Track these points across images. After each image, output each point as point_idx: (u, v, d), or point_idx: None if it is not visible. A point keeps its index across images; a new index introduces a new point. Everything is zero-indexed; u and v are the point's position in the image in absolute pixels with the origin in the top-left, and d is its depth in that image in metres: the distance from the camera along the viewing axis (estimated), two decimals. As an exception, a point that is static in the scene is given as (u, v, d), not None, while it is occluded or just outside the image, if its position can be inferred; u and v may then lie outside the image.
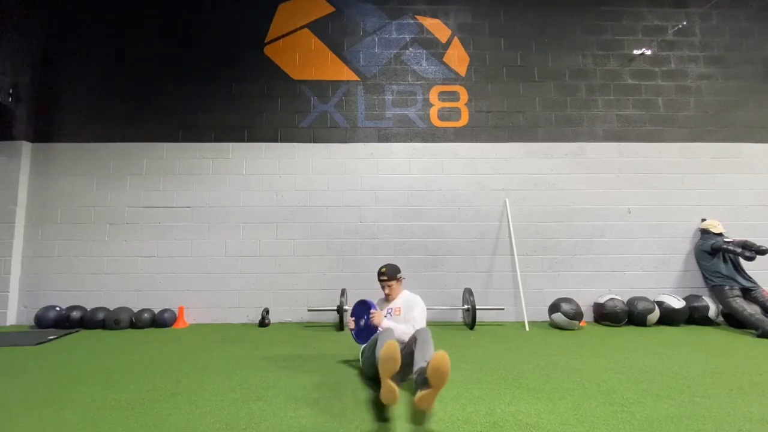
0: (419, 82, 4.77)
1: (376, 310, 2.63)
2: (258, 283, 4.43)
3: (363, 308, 2.71)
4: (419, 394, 1.79)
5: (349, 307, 3.92)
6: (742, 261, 4.17)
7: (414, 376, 1.95)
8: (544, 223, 4.56)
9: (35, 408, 2.06)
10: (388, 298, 2.79)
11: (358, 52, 4.79)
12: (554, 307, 4.08)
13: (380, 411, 1.99)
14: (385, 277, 2.75)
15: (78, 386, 2.37)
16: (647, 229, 4.57)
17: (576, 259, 4.51)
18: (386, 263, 2.85)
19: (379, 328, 2.55)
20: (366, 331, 2.63)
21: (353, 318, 2.73)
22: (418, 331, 2.29)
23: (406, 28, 4.84)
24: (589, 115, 4.74)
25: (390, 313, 2.72)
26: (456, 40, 4.83)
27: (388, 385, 1.82)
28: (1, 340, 3.50)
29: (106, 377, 2.54)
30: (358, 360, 2.70)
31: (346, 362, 2.86)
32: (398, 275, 2.79)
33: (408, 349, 2.22)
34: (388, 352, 1.87)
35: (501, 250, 4.52)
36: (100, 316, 4.08)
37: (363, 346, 2.61)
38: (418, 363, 1.99)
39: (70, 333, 3.85)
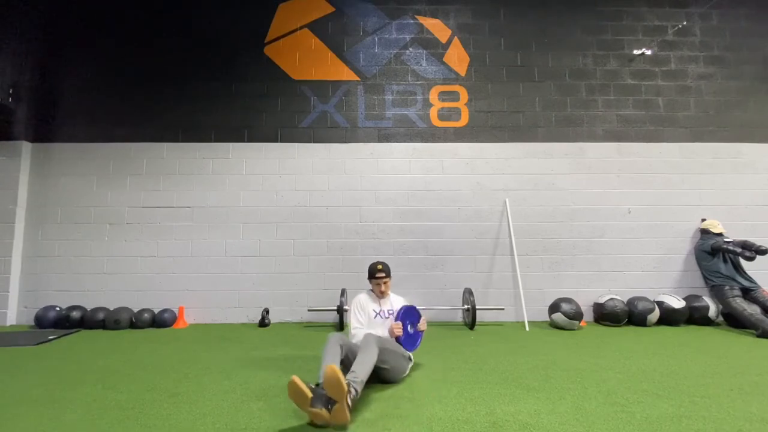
0: (419, 82, 4.77)
1: (423, 318, 2.76)
2: (258, 283, 4.43)
3: (414, 314, 2.72)
4: (321, 412, 1.77)
5: (349, 308, 3.91)
6: (742, 261, 4.17)
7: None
8: (544, 223, 4.56)
9: (35, 408, 2.06)
10: (381, 296, 2.74)
11: (358, 52, 4.79)
12: (554, 307, 4.08)
13: (380, 412, 1.99)
14: (383, 274, 2.71)
15: (78, 386, 2.38)
16: (647, 229, 4.57)
17: (576, 259, 4.51)
18: (378, 261, 2.81)
19: (421, 335, 2.75)
20: (414, 337, 2.69)
21: (399, 322, 2.57)
22: (364, 337, 2.29)
23: (406, 28, 4.84)
24: (589, 115, 4.74)
25: (382, 315, 2.67)
26: (456, 40, 4.83)
27: (311, 413, 1.79)
28: (1, 340, 3.50)
29: (106, 377, 2.54)
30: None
31: (346, 362, 2.86)
32: (390, 272, 2.79)
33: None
34: (292, 393, 1.83)
35: (501, 250, 4.52)
36: (100, 316, 4.08)
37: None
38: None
39: (70, 333, 3.85)
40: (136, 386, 2.37)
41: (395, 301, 2.77)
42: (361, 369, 2.03)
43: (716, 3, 4.63)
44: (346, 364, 2.17)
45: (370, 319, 2.65)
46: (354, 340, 2.46)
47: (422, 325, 2.72)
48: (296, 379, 1.83)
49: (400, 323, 2.54)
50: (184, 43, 4.73)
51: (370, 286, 2.83)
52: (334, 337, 2.30)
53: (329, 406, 1.79)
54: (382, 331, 2.57)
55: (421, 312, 2.83)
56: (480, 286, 4.42)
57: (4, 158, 4.43)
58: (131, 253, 4.44)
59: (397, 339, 2.52)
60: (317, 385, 1.91)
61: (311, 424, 1.83)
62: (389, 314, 2.68)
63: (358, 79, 4.75)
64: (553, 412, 1.98)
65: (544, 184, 4.62)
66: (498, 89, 4.76)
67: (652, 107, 4.77)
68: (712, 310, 4.12)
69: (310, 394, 1.81)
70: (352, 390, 1.86)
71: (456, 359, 2.92)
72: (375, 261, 2.83)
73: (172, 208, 4.52)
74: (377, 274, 2.71)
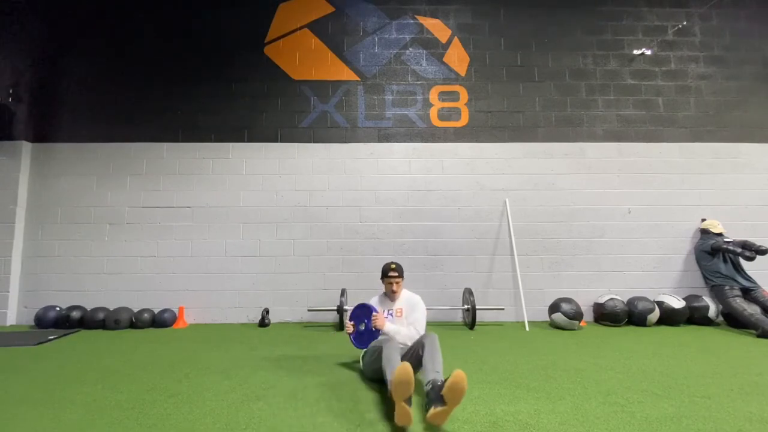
0: (419, 82, 4.77)
1: (377, 313, 2.61)
2: (258, 283, 4.43)
3: (363, 312, 2.67)
4: (433, 411, 1.76)
5: (349, 307, 3.91)
6: (742, 261, 4.17)
7: (426, 388, 1.91)
8: (544, 223, 4.56)
9: (35, 408, 2.06)
10: (392, 297, 2.74)
11: (358, 52, 4.79)
12: (554, 307, 4.08)
13: (380, 413, 1.99)
14: (396, 274, 2.71)
15: (78, 386, 2.37)
16: (647, 229, 4.57)
17: (576, 259, 4.51)
18: (392, 261, 2.81)
19: (381, 332, 2.54)
20: (366, 335, 2.60)
21: (352, 322, 2.68)
22: (425, 336, 2.28)
23: (406, 28, 4.84)
24: (589, 115, 4.74)
25: (391, 314, 2.68)
26: (456, 40, 4.83)
27: (403, 409, 1.76)
28: (1, 340, 3.50)
29: (106, 377, 2.54)
30: (359, 361, 2.70)
31: (346, 362, 2.86)
32: (403, 273, 2.78)
33: (414, 354, 2.22)
34: (402, 376, 1.79)
35: (501, 250, 4.52)
36: (100, 316, 4.08)
37: (364, 350, 2.60)
38: (429, 374, 1.98)
39: (70, 333, 3.85)
40: (136, 386, 2.37)
41: (405, 299, 2.76)
42: (441, 367, 2.05)
43: (716, 3, 4.63)
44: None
45: None
46: None
47: (375, 320, 2.54)
48: (410, 367, 1.82)
49: (349, 323, 2.68)
50: (184, 43, 4.73)
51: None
52: (394, 343, 2.30)
53: (436, 406, 1.77)
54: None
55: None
56: (480, 286, 4.42)
57: (4, 158, 4.43)
58: (131, 253, 4.44)
59: (350, 337, 2.66)
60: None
61: (395, 421, 1.79)
62: (398, 313, 2.69)
63: (358, 79, 4.75)
64: (553, 412, 1.98)
65: (544, 184, 4.62)
66: (498, 89, 4.76)
67: (652, 107, 4.77)
68: (712, 310, 4.12)
69: (412, 390, 1.82)
70: None
71: (456, 359, 2.92)
72: (390, 261, 2.81)
73: (172, 208, 4.52)
74: (390, 273, 2.72)
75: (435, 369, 2.00)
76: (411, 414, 1.77)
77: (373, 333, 2.57)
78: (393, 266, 2.73)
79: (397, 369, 1.84)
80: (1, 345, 3.35)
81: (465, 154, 4.66)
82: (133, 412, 2.00)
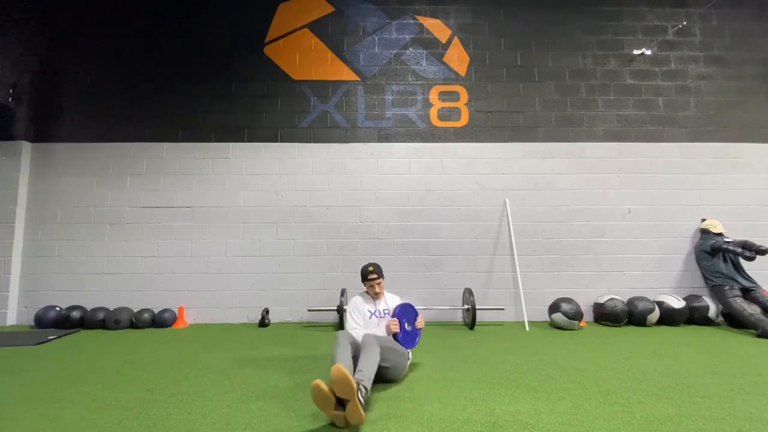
0: (419, 82, 4.77)
1: (420, 316, 2.75)
2: (258, 283, 4.43)
3: (411, 311, 2.71)
4: (344, 414, 1.78)
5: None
6: (742, 261, 4.17)
7: None
8: (544, 223, 4.56)
9: (35, 408, 2.06)
10: (377, 297, 2.72)
11: (358, 52, 4.79)
12: (554, 307, 4.08)
13: (380, 412, 1.99)
14: (375, 275, 2.69)
15: (78, 386, 2.38)
16: (647, 229, 4.57)
17: (576, 259, 4.51)
18: (369, 262, 2.77)
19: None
20: (412, 335, 2.67)
21: (396, 319, 2.59)
22: (364, 337, 2.30)
23: (406, 28, 4.84)
24: (589, 115, 4.74)
25: (379, 315, 2.67)
26: (456, 40, 4.83)
27: (334, 416, 1.80)
28: (1, 340, 3.50)
29: (106, 377, 2.54)
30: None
31: (346, 362, 2.85)
32: (382, 272, 2.76)
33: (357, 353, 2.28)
34: (315, 398, 1.82)
35: (501, 250, 4.52)
36: (100, 316, 4.08)
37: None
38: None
39: (70, 333, 3.85)
40: (136, 386, 2.37)
41: (390, 301, 2.76)
42: (367, 367, 2.05)
43: (716, 3, 4.63)
44: (356, 362, 2.17)
45: (366, 320, 2.65)
46: None
47: (420, 323, 2.71)
48: (320, 383, 1.82)
49: (396, 320, 2.56)
50: (185, 43, 4.73)
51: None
52: (343, 335, 2.31)
53: (343, 407, 1.79)
54: (379, 331, 2.58)
55: (421, 312, 2.84)
56: (480, 286, 4.42)
57: (4, 158, 4.43)
58: (131, 253, 4.44)
59: (395, 336, 2.51)
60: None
61: (332, 424, 1.83)
62: (385, 313, 2.67)
63: (358, 79, 4.75)
64: (553, 412, 1.98)
65: (544, 184, 4.62)
66: (498, 89, 4.76)
67: (652, 107, 4.77)
68: (712, 310, 4.12)
69: (334, 398, 1.81)
70: (362, 388, 1.86)
71: (456, 359, 2.92)
72: (366, 264, 2.78)
73: (172, 208, 4.52)
74: (369, 276, 2.69)
75: (358, 368, 2.04)
76: (343, 415, 1.78)
77: (417, 332, 2.71)
78: (371, 269, 2.70)
79: (311, 389, 1.83)
80: (1, 345, 3.36)
81: (465, 154, 4.66)
82: (133, 412, 2.00)
